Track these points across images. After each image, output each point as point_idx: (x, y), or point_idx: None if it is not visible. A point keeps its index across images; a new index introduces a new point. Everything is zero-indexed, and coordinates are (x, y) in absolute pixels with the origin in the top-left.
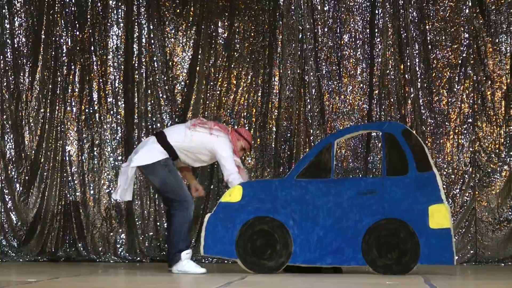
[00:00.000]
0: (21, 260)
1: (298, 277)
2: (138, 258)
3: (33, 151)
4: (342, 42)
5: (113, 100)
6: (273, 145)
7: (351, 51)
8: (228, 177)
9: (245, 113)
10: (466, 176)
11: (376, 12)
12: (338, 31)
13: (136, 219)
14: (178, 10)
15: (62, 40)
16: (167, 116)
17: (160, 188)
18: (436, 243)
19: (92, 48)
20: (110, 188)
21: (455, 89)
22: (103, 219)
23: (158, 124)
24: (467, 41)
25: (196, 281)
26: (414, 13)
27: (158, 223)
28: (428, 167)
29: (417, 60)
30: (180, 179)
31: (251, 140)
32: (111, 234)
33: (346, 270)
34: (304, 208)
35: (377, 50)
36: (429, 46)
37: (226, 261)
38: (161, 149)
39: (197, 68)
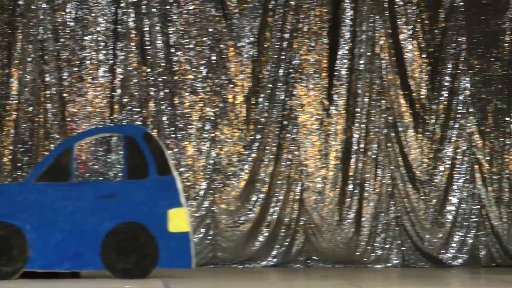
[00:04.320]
0: None
1: (33, 283)
2: None
3: None
4: (84, 44)
5: None
6: (12, 148)
7: (93, 53)
8: None
9: None
10: (208, 178)
11: (119, 13)
12: (80, 32)
13: None
14: None
15: None
16: None
17: None
18: (175, 246)
19: None
20: None
21: (198, 92)
22: None
23: None
24: (210, 44)
25: None
26: (158, 15)
27: None
28: (168, 171)
29: (160, 63)
30: None
31: None
32: None
33: (86, 274)
34: (42, 212)
35: (122, 52)
36: (173, 49)
37: None
38: None
39: None
